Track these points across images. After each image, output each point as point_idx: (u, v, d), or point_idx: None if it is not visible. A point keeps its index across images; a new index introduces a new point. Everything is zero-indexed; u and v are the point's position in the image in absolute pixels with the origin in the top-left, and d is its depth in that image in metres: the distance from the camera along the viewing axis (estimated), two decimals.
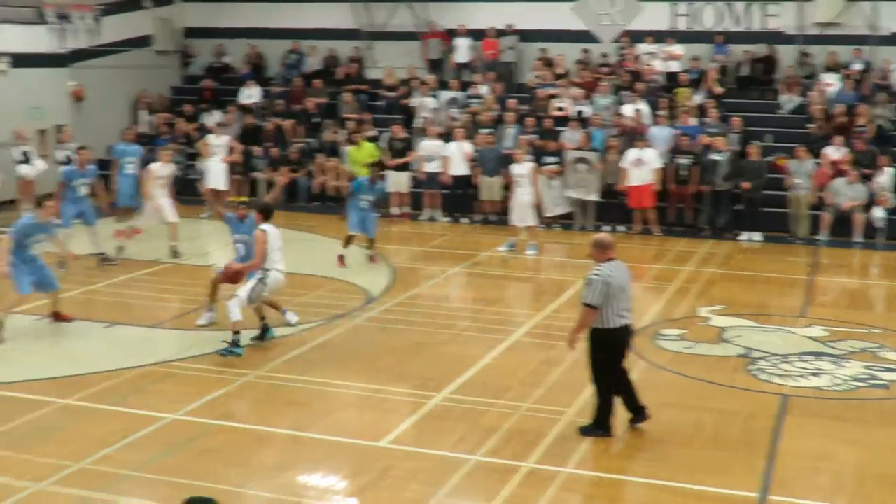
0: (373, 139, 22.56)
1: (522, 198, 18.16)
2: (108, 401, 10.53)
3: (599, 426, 9.71)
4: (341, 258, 17.05)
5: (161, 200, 17.46)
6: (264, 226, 12.43)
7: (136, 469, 8.84)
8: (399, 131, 22.56)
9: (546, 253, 18.63)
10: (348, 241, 17.14)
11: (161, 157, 17.99)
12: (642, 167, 20.19)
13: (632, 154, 20.31)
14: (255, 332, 12.61)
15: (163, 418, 10.03)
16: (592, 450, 9.46)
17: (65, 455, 9.05)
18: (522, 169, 18.27)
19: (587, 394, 10.87)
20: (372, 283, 15.91)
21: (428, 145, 21.92)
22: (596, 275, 9.45)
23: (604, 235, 10.00)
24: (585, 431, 9.71)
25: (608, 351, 9.60)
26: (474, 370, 11.68)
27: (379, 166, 18.32)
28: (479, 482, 8.84)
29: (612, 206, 20.90)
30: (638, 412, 9.89)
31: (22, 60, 22.98)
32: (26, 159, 21.26)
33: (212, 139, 21.76)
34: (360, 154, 21.44)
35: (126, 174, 18.54)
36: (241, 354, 11.95)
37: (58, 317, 13.39)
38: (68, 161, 20.18)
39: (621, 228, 20.57)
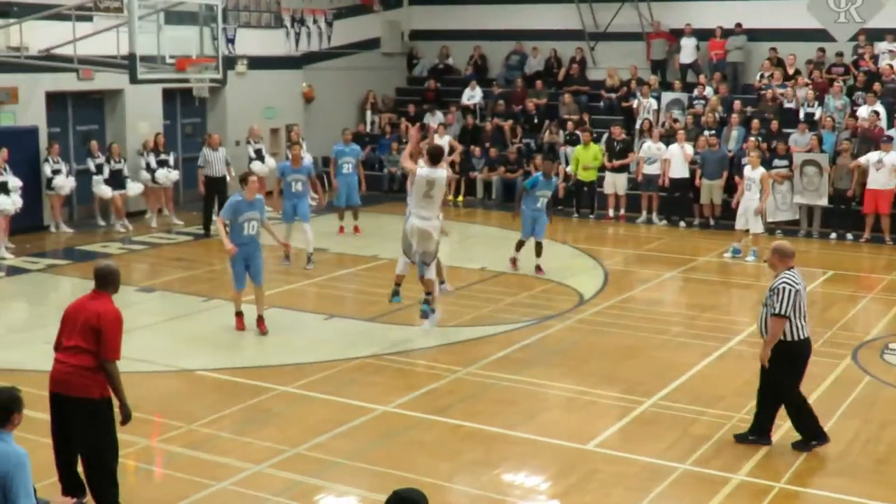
0: (596, 140, 22.48)
1: (750, 203, 17.52)
2: (324, 390, 10.92)
3: (813, 436, 9.33)
4: (514, 261, 16.68)
5: None
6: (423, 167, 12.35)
7: (346, 457, 9.13)
8: (619, 132, 22.34)
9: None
10: (520, 244, 16.59)
11: None
12: (882, 171, 19.21)
13: (873, 156, 19.38)
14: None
15: (374, 409, 10.31)
16: (807, 466, 9.06)
17: (281, 440, 9.44)
18: (754, 174, 17.53)
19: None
20: (585, 284, 15.81)
21: (649, 147, 21.59)
22: (786, 283, 9.06)
23: (785, 243, 9.48)
24: (798, 446, 9.33)
25: (796, 363, 9.21)
26: (686, 377, 11.42)
27: (552, 160, 18.04)
28: (687, 491, 8.64)
29: (841, 213, 19.98)
30: (764, 432, 9.48)
31: (258, 63, 24.16)
32: (259, 157, 22.30)
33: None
34: (586, 155, 21.44)
35: (343, 174, 19.24)
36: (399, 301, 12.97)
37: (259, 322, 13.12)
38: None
39: (849, 236, 19.65)
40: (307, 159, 19.67)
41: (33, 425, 9.43)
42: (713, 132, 21.67)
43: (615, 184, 21.79)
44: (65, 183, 19.32)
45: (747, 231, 17.71)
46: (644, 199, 21.61)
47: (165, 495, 8.37)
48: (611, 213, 21.83)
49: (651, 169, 21.37)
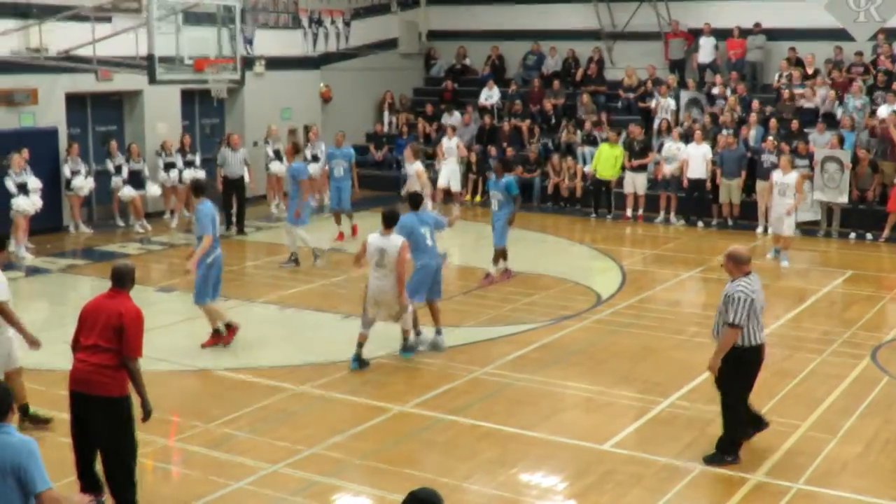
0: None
1: (781, 208, 17.18)
2: (341, 389, 10.94)
3: (728, 452, 9.04)
4: (488, 276, 15.89)
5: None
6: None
7: (363, 457, 9.14)
8: (637, 132, 22.30)
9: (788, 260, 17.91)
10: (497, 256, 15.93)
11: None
12: None
13: None
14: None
15: (391, 409, 10.32)
16: (826, 467, 9.02)
17: (298, 440, 9.47)
18: (788, 178, 17.16)
19: (822, 408, 10.46)
20: (602, 284, 15.79)
21: (669, 147, 21.53)
22: (741, 291, 8.72)
23: (740, 248, 9.10)
24: (711, 460, 9.02)
25: (747, 370, 8.97)
26: (703, 377, 11.28)
27: (504, 162, 17.12)
28: (704, 492, 8.63)
29: (861, 213, 19.87)
30: (758, 422, 9.40)
31: (276, 63, 24.21)
32: (277, 157, 22.36)
33: (445, 141, 22.24)
34: (610, 154, 21.47)
35: (333, 178, 18.97)
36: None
37: None
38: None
39: (869, 236, 19.55)
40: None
41: (53, 424, 9.51)
42: (732, 131, 21.60)
43: (634, 183, 21.75)
44: (84, 183, 19.44)
45: (785, 237, 17.34)
46: (663, 198, 21.55)
47: (182, 494, 8.41)
48: (629, 212, 21.78)
49: (670, 169, 21.31)
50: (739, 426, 9.10)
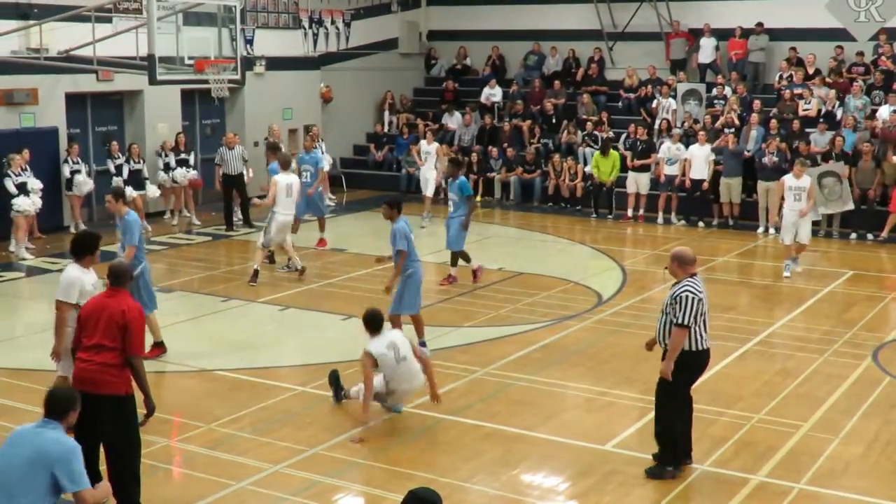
0: (615, 140, 22.52)
1: (795, 214, 16.52)
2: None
3: (668, 462, 8.83)
4: (448, 278, 15.65)
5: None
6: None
7: (365, 458, 9.14)
8: (642, 132, 22.30)
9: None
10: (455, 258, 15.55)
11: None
12: None
13: None
14: None
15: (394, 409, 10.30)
16: (827, 467, 9.02)
17: (300, 440, 9.47)
18: (802, 183, 16.55)
19: (823, 408, 10.45)
20: (603, 285, 15.78)
21: (668, 148, 21.52)
22: (688, 291, 8.52)
23: (685, 250, 8.86)
24: (653, 473, 8.78)
25: (690, 375, 8.81)
26: (705, 377, 11.30)
27: (455, 162, 16.37)
28: (706, 492, 8.63)
29: (861, 213, 19.87)
30: (686, 455, 8.97)
31: (276, 63, 24.21)
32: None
33: (423, 145, 22.04)
34: (606, 163, 21.60)
35: (302, 182, 17.35)
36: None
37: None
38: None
39: (869, 236, 19.55)
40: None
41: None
42: (732, 131, 21.61)
43: (637, 183, 21.75)
44: (84, 183, 19.42)
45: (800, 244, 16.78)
46: (662, 199, 21.53)
47: (184, 494, 8.41)
48: (629, 213, 21.77)
49: (671, 170, 21.30)
50: (672, 438, 8.86)
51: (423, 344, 11.79)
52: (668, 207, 21.54)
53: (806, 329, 13.58)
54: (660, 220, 21.44)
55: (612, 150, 21.94)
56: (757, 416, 10.18)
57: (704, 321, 8.67)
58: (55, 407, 6.35)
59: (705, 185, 20.75)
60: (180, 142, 21.15)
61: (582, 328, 13.53)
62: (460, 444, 9.50)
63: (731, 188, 20.61)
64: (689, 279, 8.66)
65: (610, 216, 21.96)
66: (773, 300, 15.63)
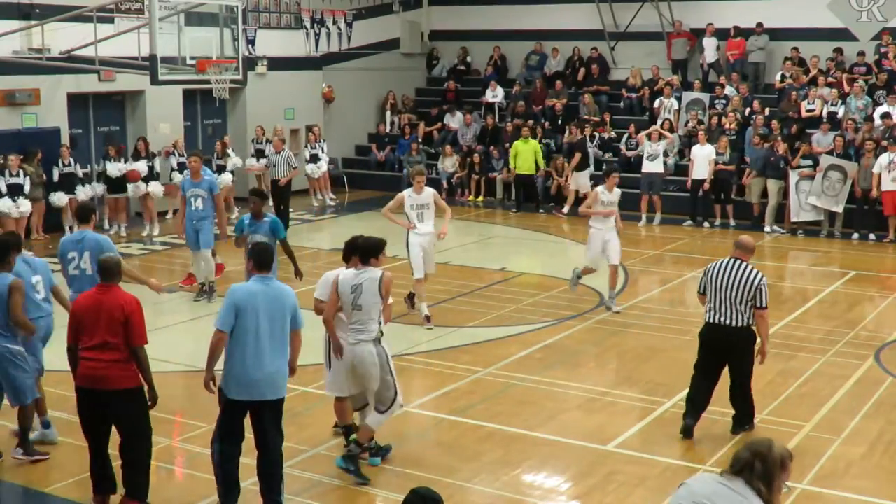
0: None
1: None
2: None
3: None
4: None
5: None
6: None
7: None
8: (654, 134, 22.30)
9: (790, 260, 17.93)
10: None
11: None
12: (894, 172, 19.06)
13: (884, 158, 19.22)
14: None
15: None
16: (830, 467, 9.01)
17: (302, 440, 9.46)
18: (613, 197, 16.73)
19: (826, 408, 10.44)
20: (605, 285, 15.72)
21: (647, 146, 21.48)
22: (764, 277, 9.48)
23: (749, 238, 9.91)
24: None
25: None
26: None
27: (259, 195, 12.70)
28: None
29: (866, 213, 19.84)
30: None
31: (278, 63, 24.22)
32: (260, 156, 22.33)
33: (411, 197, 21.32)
34: (526, 148, 22.04)
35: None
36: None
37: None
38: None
39: (871, 237, 19.53)
40: (208, 174, 14.99)
41: (61, 426, 9.49)
42: (735, 132, 21.62)
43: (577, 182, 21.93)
44: (80, 191, 19.34)
45: None
46: (644, 198, 21.33)
47: (186, 494, 8.41)
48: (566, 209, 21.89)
49: (651, 167, 21.23)
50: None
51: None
52: (652, 207, 21.35)
53: (808, 329, 13.56)
54: (642, 221, 21.17)
55: (531, 139, 22.31)
56: (759, 416, 10.15)
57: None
58: None
59: (706, 185, 20.72)
60: (178, 145, 21.13)
61: (584, 328, 13.52)
62: (462, 445, 9.49)
63: (758, 187, 20.61)
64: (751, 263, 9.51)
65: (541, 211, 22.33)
66: (775, 300, 15.55)
